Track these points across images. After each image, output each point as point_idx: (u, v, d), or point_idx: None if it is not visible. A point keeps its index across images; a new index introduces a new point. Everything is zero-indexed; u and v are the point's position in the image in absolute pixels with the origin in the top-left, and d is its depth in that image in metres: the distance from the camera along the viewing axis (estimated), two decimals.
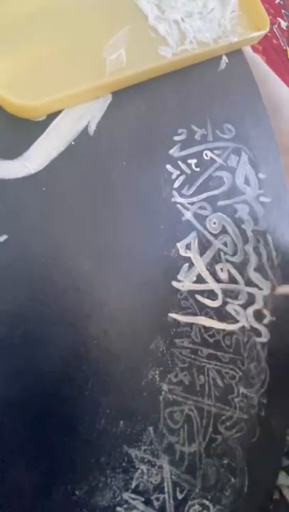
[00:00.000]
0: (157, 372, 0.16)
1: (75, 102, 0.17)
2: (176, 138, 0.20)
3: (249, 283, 0.20)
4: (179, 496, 0.15)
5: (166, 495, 0.15)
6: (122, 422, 0.15)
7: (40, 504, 0.13)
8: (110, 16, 0.19)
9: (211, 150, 0.21)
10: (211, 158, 0.21)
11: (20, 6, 0.16)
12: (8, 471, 0.13)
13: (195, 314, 0.18)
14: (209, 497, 0.16)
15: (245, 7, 0.24)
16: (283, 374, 0.20)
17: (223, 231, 0.20)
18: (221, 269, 0.20)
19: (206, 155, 0.21)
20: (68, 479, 0.13)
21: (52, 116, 0.16)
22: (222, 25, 0.23)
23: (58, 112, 0.16)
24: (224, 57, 0.23)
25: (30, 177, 0.15)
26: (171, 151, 0.20)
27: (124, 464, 0.14)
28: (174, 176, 0.19)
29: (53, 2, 0.17)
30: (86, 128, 0.17)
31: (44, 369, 0.14)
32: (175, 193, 0.19)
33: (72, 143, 0.16)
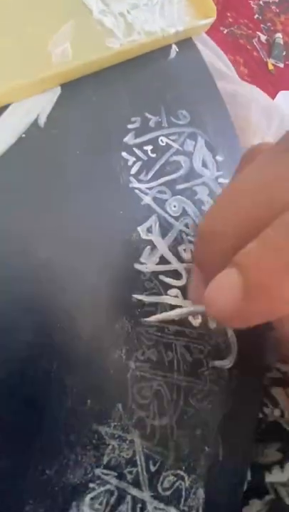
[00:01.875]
0: (123, 351, 0.17)
1: (22, 95, 0.17)
2: (129, 126, 0.21)
3: None
4: (152, 468, 0.16)
5: (139, 468, 0.15)
6: (89, 400, 0.15)
7: (9, 486, 0.13)
8: (54, 12, 0.19)
9: (167, 136, 0.22)
10: (167, 143, 0.22)
11: None
12: None
13: (160, 294, 0.19)
14: (183, 467, 0.17)
15: None
16: (252, 344, 0.20)
17: (184, 213, 0.21)
18: (184, 249, 0.20)
19: (162, 141, 0.22)
20: (38, 460, 0.14)
21: (0, 111, 0.16)
22: (169, 15, 0.24)
23: (6, 107, 0.17)
24: (174, 46, 0.24)
25: None
26: (125, 139, 0.20)
27: (94, 441, 0.15)
28: (130, 163, 0.20)
29: None
30: (36, 120, 0.17)
31: (9, 353, 0.14)
32: (132, 179, 0.20)
33: (23, 135, 0.17)
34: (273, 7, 1.31)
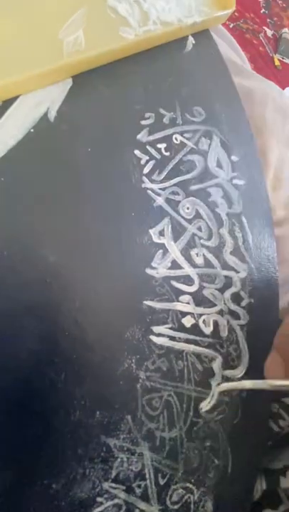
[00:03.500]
0: (133, 361, 0.16)
1: (31, 87, 0.16)
2: (143, 122, 0.19)
3: (225, 266, 0.20)
4: (161, 482, 0.15)
5: (148, 481, 0.15)
6: (98, 412, 0.14)
7: (15, 500, 0.13)
8: None
9: (181, 134, 0.21)
10: (181, 142, 0.21)
11: None
12: None
13: (171, 300, 0.18)
14: (192, 480, 0.16)
15: None
16: (263, 354, 0.20)
17: (197, 216, 0.20)
18: (197, 254, 0.20)
19: (176, 139, 0.20)
20: (44, 473, 0.13)
21: (8, 103, 0.15)
22: (186, 4, 0.22)
23: (14, 99, 0.16)
24: (190, 38, 0.22)
25: None
26: (139, 136, 0.19)
27: (102, 454, 0.14)
28: (143, 162, 0.19)
29: None
30: (46, 114, 0.16)
31: (13, 364, 0.13)
32: (145, 178, 0.19)
33: (32, 130, 0.16)
34: (280, 1, 1.28)
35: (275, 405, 0.21)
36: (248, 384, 0.14)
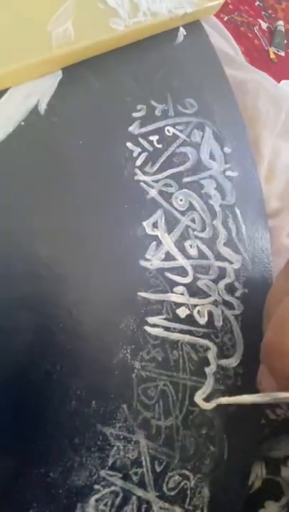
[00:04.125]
0: (128, 351, 0.16)
1: (21, 79, 0.16)
2: (135, 114, 0.19)
3: (219, 257, 0.20)
4: (158, 469, 0.15)
5: (145, 468, 0.15)
6: (94, 401, 0.15)
7: (13, 488, 0.13)
8: None
9: (173, 126, 0.21)
10: (174, 134, 0.21)
11: None
12: None
13: (165, 292, 0.18)
14: (189, 467, 0.16)
15: None
16: (257, 343, 0.20)
17: (191, 207, 0.20)
18: (190, 245, 0.20)
19: (168, 131, 0.20)
20: (41, 462, 0.13)
21: None
22: None
23: (4, 92, 0.16)
24: (181, 29, 0.22)
25: None
26: (130, 128, 0.19)
27: (99, 443, 0.14)
28: (135, 154, 0.19)
29: None
30: (36, 107, 0.16)
31: (9, 356, 0.13)
32: (138, 171, 0.19)
33: (22, 123, 0.16)
34: None
35: None
36: (249, 398, 0.14)
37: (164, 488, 0.15)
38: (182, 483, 0.16)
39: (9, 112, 0.15)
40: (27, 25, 0.16)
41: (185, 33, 0.22)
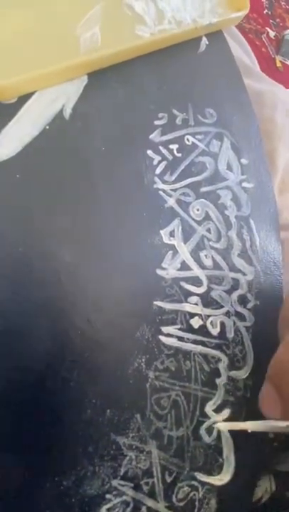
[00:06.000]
0: (143, 360, 0.16)
1: (47, 83, 0.16)
2: (156, 122, 0.19)
3: (233, 269, 0.20)
4: (168, 479, 0.15)
5: (155, 479, 0.15)
6: (108, 410, 0.15)
7: (27, 497, 0.13)
8: None
9: (193, 135, 0.21)
10: (193, 143, 0.21)
11: None
12: None
13: (180, 301, 0.18)
14: (198, 478, 0.16)
15: None
16: (267, 356, 0.20)
17: (207, 217, 0.20)
18: (206, 255, 0.20)
19: (188, 140, 0.21)
20: (55, 470, 0.13)
21: (23, 99, 0.15)
22: (201, 5, 0.22)
23: (30, 95, 0.15)
24: (204, 39, 0.22)
25: (2, 163, 0.14)
26: (151, 136, 0.19)
27: (112, 452, 0.14)
28: (155, 162, 0.19)
29: None
30: (61, 111, 0.16)
31: (27, 362, 0.13)
32: (157, 179, 0.19)
33: (47, 127, 0.16)
34: (283, 3, 1.28)
35: None
36: (250, 426, 0.14)
37: (174, 499, 0.15)
38: (191, 494, 0.16)
39: (35, 116, 0.15)
40: (56, 28, 0.16)
41: (207, 43, 0.22)
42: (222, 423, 0.15)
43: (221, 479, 0.17)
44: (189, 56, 0.22)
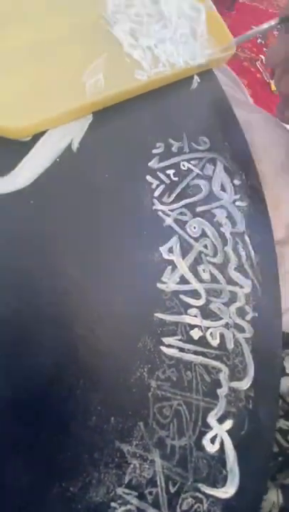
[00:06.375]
0: (145, 370, 0.17)
1: (58, 123, 0.18)
2: (154, 151, 0.22)
3: (230, 282, 0.22)
4: (172, 490, 0.16)
5: (159, 488, 0.16)
6: (112, 418, 0.15)
7: (35, 502, 0.13)
8: (89, 45, 0.21)
9: (188, 161, 0.23)
10: (188, 168, 0.23)
11: (8, 41, 0.18)
12: (2, 470, 0.13)
13: (180, 313, 0.19)
14: (202, 489, 0.17)
15: (212, 31, 0.27)
16: (268, 367, 0.20)
17: (203, 234, 0.22)
18: (203, 270, 0.21)
19: (184, 165, 0.23)
20: (62, 477, 0.14)
21: (37, 137, 0.18)
22: (192, 48, 0.25)
23: (43, 133, 0.18)
24: (196, 77, 0.25)
25: (18, 192, 0.16)
26: (150, 163, 0.21)
27: (116, 460, 0.15)
28: (154, 186, 0.21)
29: (36, 37, 0.19)
30: (69, 145, 0.18)
31: (35, 370, 0.15)
32: (156, 201, 0.21)
33: (57, 159, 0.18)
34: (275, 33, 1.38)
35: (286, 423, 0.22)
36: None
37: (178, 510, 0.16)
38: (195, 506, 0.16)
39: (47, 150, 0.18)
40: (66, 76, 0.19)
41: (199, 81, 0.25)
42: None
43: (226, 492, 0.17)
44: (183, 92, 0.24)
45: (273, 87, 1.27)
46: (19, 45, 0.18)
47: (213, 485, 0.17)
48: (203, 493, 0.16)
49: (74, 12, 0.21)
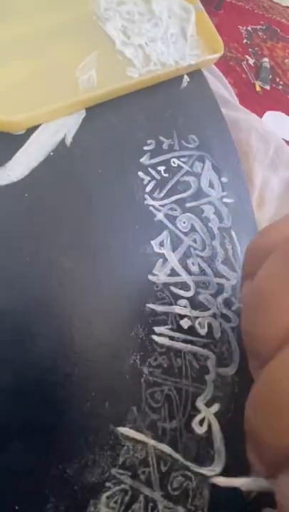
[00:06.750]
0: (138, 357, 0.18)
1: (52, 117, 0.18)
2: (145, 148, 0.22)
3: (218, 274, 0.23)
4: (163, 469, 0.17)
5: (151, 468, 0.16)
6: (107, 403, 0.16)
7: (34, 484, 0.14)
8: (81, 42, 0.21)
9: (178, 158, 0.24)
10: (178, 165, 0.23)
11: (1, 36, 0.18)
12: (2, 454, 0.14)
13: (170, 304, 0.20)
14: (191, 468, 0.18)
15: (202, 32, 0.28)
16: None
17: (193, 229, 0.23)
18: (192, 263, 0.22)
19: (174, 162, 0.23)
20: (60, 459, 0.15)
21: (31, 131, 0.18)
22: (182, 48, 0.26)
23: (37, 127, 0.18)
24: (185, 77, 0.26)
25: (13, 184, 0.17)
26: (142, 160, 0.22)
27: (110, 442, 0.16)
28: (145, 182, 0.22)
29: (29, 31, 0.19)
30: (63, 140, 0.19)
31: (33, 358, 0.15)
32: (147, 196, 0.21)
33: (51, 153, 0.18)
34: (260, 33, 1.41)
35: None
36: (242, 482, 0.15)
37: (169, 488, 0.17)
38: (185, 484, 0.17)
39: (41, 144, 0.18)
40: (59, 71, 0.19)
41: (188, 80, 0.26)
42: (220, 478, 0.16)
43: (214, 470, 0.18)
44: (173, 91, 0.25)
45: (258, 88, 1.31)
46: (12, 39, 0.18)
47: (202, 464, 0.18)
48: (192, 472, 0.18)
49: (67, 7, 0.21)
